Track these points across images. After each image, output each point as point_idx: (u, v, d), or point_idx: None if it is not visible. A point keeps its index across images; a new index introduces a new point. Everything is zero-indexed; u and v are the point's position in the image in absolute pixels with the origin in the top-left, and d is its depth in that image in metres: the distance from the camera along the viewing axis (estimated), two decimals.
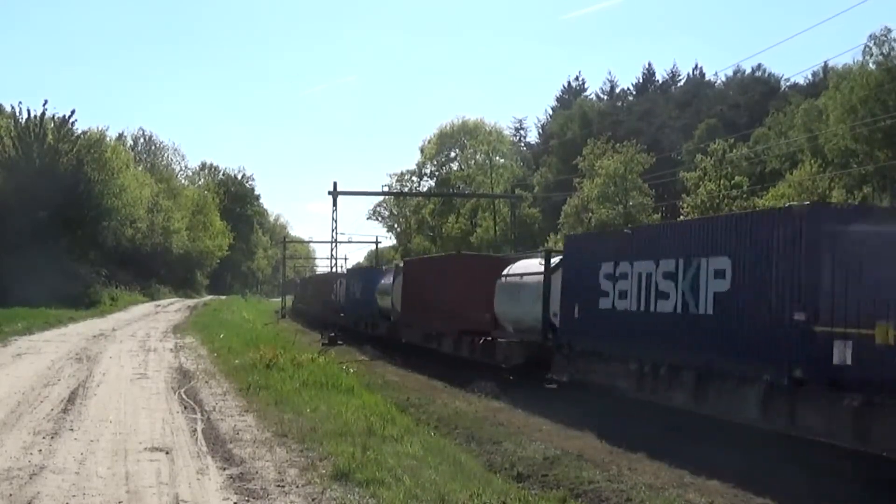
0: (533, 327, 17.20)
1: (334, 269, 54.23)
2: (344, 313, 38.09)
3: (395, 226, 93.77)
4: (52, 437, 9.44)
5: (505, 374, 18.46)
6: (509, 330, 19.01)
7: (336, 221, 42.72)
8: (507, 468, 10.14)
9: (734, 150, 50.77)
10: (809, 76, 66.10)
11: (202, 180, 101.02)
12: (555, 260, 17.03)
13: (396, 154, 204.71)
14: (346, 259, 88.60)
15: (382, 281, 30.89)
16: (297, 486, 7.44)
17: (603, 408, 13.58)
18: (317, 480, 7.60)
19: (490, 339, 19.73)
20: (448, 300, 21.98)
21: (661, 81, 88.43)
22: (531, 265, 18.57)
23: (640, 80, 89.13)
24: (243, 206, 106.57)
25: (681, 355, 12.28)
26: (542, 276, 17.05)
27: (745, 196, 47.71)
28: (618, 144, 58.03)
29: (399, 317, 27.49)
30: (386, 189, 79.71)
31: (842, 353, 9.92)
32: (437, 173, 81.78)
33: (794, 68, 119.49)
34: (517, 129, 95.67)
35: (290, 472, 7.99)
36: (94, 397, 12.65)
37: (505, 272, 19.44)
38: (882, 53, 41.98)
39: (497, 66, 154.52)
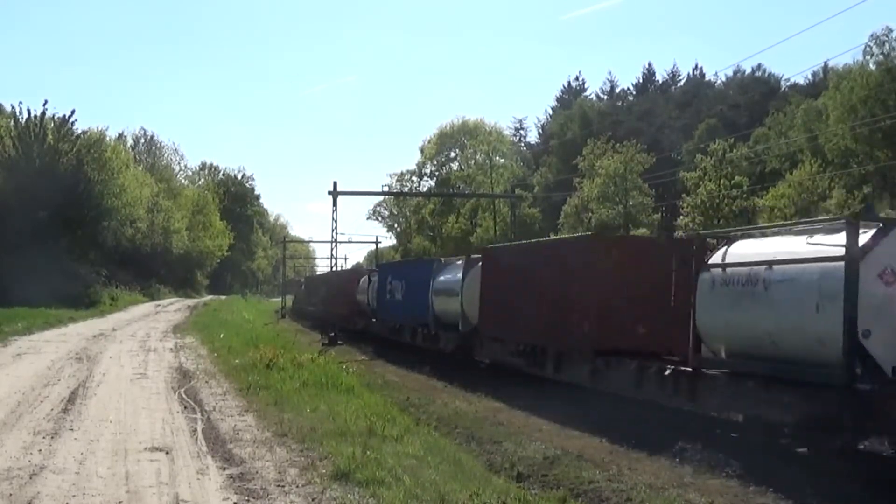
0: (803, 357, 9.77)
1: (334, 269, 54.22)
2: (376, 319, 31.40)
3: (395, 226, 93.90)
4: (52, 437, 9.44)
5: (723, 432, 11.53)
6: (721, 356, 11.39)
7: (336, 221, 42.81)
8: (507, 468, 10.13)
9: (734, 150, 50.84)
10: (809, 76, 66.40)
11: (202, 180, 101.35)
12: (866, 234, 9.41)
13: (396, 154, 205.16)
14: (346, 259, 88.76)
15: (441, 277, 23.65)
16: (297, 486, 7.44)
17: (603, 408, 13.56)
18: (317, 480, 7.60)
19: (693, 370, 11.74)
20: (580, 305, 15.25)
21: (661, 81, 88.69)
22: (788, 245, 10.45)
23: (640, 80, 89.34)
24: (243, 206, 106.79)
25: None
26: (835, 263, 9.35)
27: (745, 196, 47.79)
28: (618, 144, 58.21)
29: (474, 327, 20.70)
30: (386, 189, 79.95)
31: None
32: (437, 173, 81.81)
33: (794, 68, 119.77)
34: (517, 129, 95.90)
35: (290, 471, 7.99)
36: (94, 397, 12.65)
37: (715, 259, 11.51)
38: (882, 53, 42.11)
39: (497, 66, 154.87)
